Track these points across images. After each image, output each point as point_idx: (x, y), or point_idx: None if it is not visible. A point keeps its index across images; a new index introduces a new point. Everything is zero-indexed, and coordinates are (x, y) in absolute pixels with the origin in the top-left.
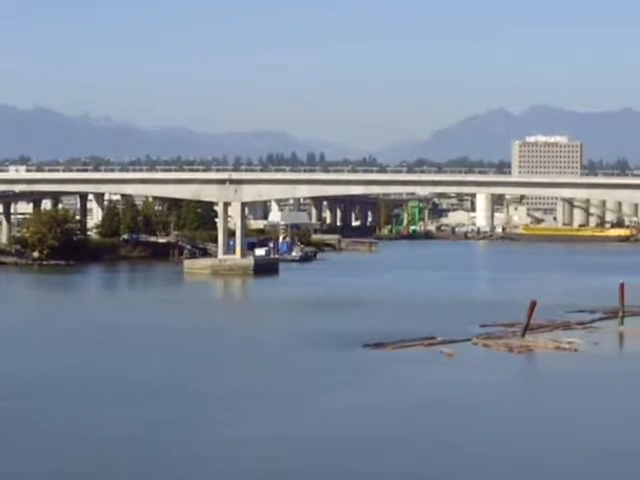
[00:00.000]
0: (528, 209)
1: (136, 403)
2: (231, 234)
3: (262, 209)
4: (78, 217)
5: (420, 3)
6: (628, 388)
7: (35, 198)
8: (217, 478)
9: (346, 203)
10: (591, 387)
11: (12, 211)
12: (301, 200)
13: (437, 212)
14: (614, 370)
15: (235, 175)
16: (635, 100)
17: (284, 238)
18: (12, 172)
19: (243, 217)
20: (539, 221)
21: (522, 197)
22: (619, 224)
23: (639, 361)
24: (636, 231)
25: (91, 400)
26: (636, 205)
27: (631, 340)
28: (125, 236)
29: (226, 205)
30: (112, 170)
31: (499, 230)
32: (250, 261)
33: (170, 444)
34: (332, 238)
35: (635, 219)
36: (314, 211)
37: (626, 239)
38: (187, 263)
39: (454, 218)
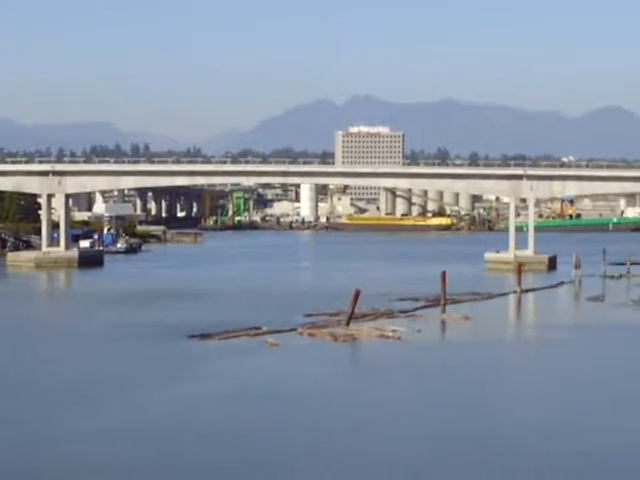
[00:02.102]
0: (352, 199)
1: None
2: (55, 226)
3: (86, 201)
4: None
5: None
6: (449, 375)
7: None
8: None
9: (171, 194)
10: (413, 375)
11: None
12: (126, 191)
13: (262, 202)
14: (436, 357)
15: (58, 167)
16: (455, 91)
17: (109, 230)
18: None
19: (67, 209)
20: (362, 211)
21: (346, 187)
22: (440, 213)
23: (460, 348)
24: (457, 220)
25: None
26: (457, 194)
27: (452, 327)
28: None
29: (49, 197)
30: None
31: (323, 220)
32: (74, 253)
33: None
34: (157, 229)
35: (456, 208)
36: (139, 202)
37: (447, 228)
38: (10, 256)
39: (279, 208)
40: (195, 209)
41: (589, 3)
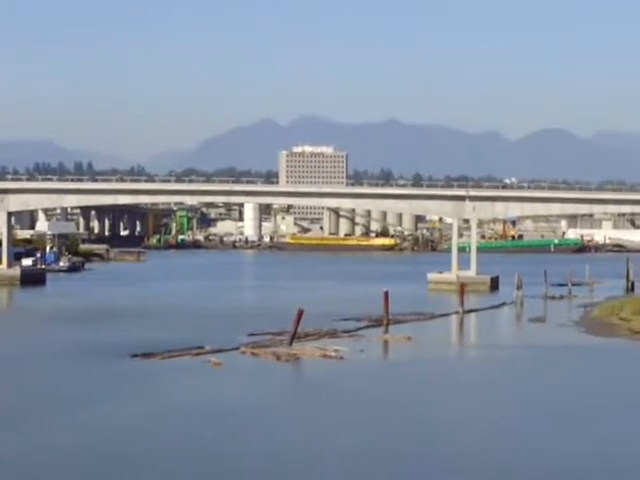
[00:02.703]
0: (295, 218)
1: None
2: None
3: (29, 219)
4: None
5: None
6: (389, 396)
7: None
8: None
9: (114, 213)
10: (353, 394)
11: None
12: (69, 210)
13: (205, 221)
14: (378, 377)
15: (0, 184)
16: (399, 111)
17: (51, 248)
18: None
19: (9, 227)
20: (306, 230)
21: (289, 207)
22: (384, 233)
23: (402, 368)
24: (400, 240)
25: None
26: (400, 215)
27: (395, 347)
28: None
29: None
30: None
31: (267, 239)
32: (16, 271)
33: None
34: (100, 248)
35: (399, 228)
36: (82, 221)
37: (390, 248)
38: None
39: (222, 227)
40: (138, 228)
41: (524, 25)
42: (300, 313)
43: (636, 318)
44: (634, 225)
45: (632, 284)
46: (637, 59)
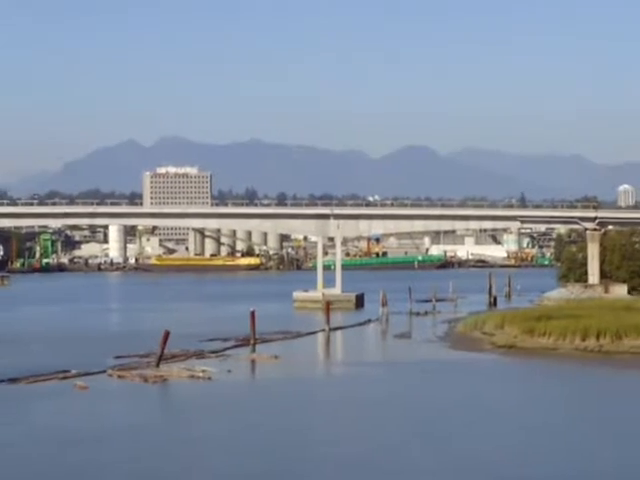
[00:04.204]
0: (161, 239)
1: None
2: None
3: None
4: None
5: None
6: (257, 415)
7: None
8: None
9: None
10: (221, 414)
11: None
12: None
13: (70, 244)
14: (245, 397)
15: None
16: (262, 131)
17: None
18: None
19: None
20: (172, 251)
21: (154, 228)
22: (249, 253)
23: (270, 387)
24: (266, 259)
25: None
26: (265, 234)
27: (262, 367)
28: None
29: None
30: None
31: (132, 261)
32: None
33: None
34: None
35: (265, 248)
36: None
37: (256, 267)
38: None
39: (87, 250)
40: (1, 252)
41: (378, 46)
42: (166, 334)
43: (499, 332)
44: (496, 241)
45: (495, 299)
46: (494, 78)
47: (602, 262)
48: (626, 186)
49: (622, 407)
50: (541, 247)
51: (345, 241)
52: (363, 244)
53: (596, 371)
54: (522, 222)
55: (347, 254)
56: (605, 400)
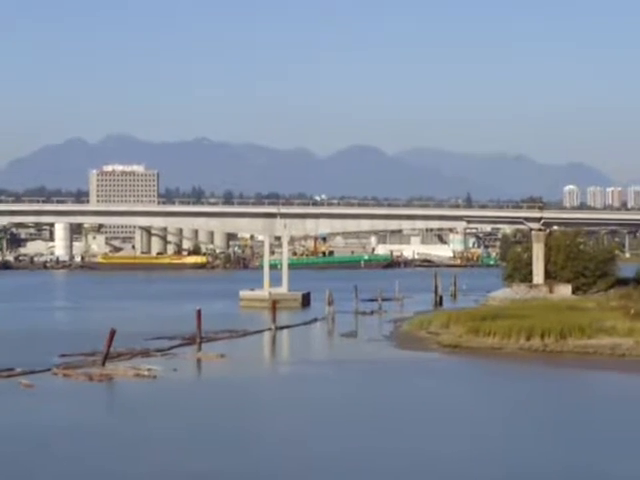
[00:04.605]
0: (107, 238)
1: None
2: None
3: None
4: None
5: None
6: (204, 412)
7: None
8: None
9: None
10: (167, 413)
11: None
12: None
13: (15, 242)
14: (191, 395)
15: None
16: (209, 129)
17: None
18: None
19: None
20: (118, 250)
21: (100, 226)
22: (196, 252)
23: (216, 385)
24: (212, 258)
25: None
26: (212, 233)
27: (208, 366)
28: None
29: None
30: None
31: (78, 259)
32: None
33: None
34: None
35: (211, 246)
36: None
37: (202, 266)
38: None
39: (33, 248)
40: None
41: (325, 45)
42: (112, 333)
43: (444, 332)
44: (442, 240)
45: (440, 298)
46: (440, 79)
47: (547, 262)
48: (571, 187)
49: (564, 406)
50: (487, 247)
51: (292, 240)
52: (310, 243)
53: (540, 370)
54: (468, 222)
55: (294, 253)
56: (549, 399)
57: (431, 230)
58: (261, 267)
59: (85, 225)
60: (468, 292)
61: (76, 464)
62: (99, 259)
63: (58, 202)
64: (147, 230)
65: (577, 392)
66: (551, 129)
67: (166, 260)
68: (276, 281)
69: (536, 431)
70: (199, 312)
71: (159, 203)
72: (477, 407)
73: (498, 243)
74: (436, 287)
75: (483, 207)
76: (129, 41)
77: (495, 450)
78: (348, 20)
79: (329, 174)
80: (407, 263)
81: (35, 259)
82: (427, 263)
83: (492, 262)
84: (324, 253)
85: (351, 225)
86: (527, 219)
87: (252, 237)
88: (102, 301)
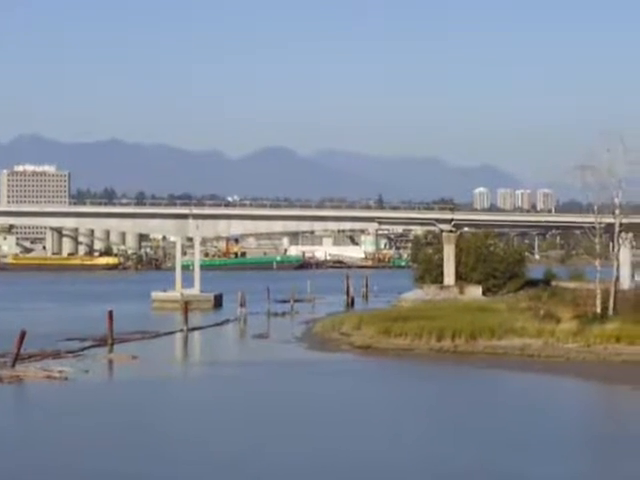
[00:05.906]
0: (18, 238)
1: None
2: None
3: None
4: None
5: None
6: (114, 413)
7: None
8: None
9: None
10: (78, 414)
11: None
12: None
13: None
14: (102, 397)
15: None
16: (121, 130)
17: None
18: None
19: None
20: (29, 250)
21: (11, 226)
22: (107, 253)
23: (128, 387)
24: (124, 259)
25: None
26: (124, 234)
27: (120, 367)
28: None
29: None
30: None
31: None
32: None
33: None
34: None
35: (123, 247)
36: None
37: (114, 267)
38: None
39: None
40: None
41: (238, 49)
42: (22, 334)
43: (356, 333)
44: (353, 242)
45: (352, 300)
46: (353, 83)
47: (458, 264)
48: (481, 189)
49: (473, 405)
50: (398, 248)
51: (204, 241)
52: (222, 244)
53: (450, 370)
54: (380, 223)
55: (206, 254)
56: (458, 399)
57: (343, 231)
58: (173, 268)
59: None
60: (379, 293)
61: None
62: (9, 260)
63: None
64: (58, 231)
65: (486, 392)
66: (465, 132)
67: (77, 261)
68: (188, 282)
69: (445, 430)
70: (110, 313)
71: (70, 204)
72: (387, 407)
73: (409, 244)
74: (348, 288)
75: (395, 208)
76: (44, 40)
77: (406, 449)
78: (255, 20)
79: (241, 175)
80: (319, 264)
81: None
82: (339, 264)
83: (403, 263)
84: (236, 254)
85: (263, 226)
86: (438, 220)
87: (164, 238)
88: (12, 302)
